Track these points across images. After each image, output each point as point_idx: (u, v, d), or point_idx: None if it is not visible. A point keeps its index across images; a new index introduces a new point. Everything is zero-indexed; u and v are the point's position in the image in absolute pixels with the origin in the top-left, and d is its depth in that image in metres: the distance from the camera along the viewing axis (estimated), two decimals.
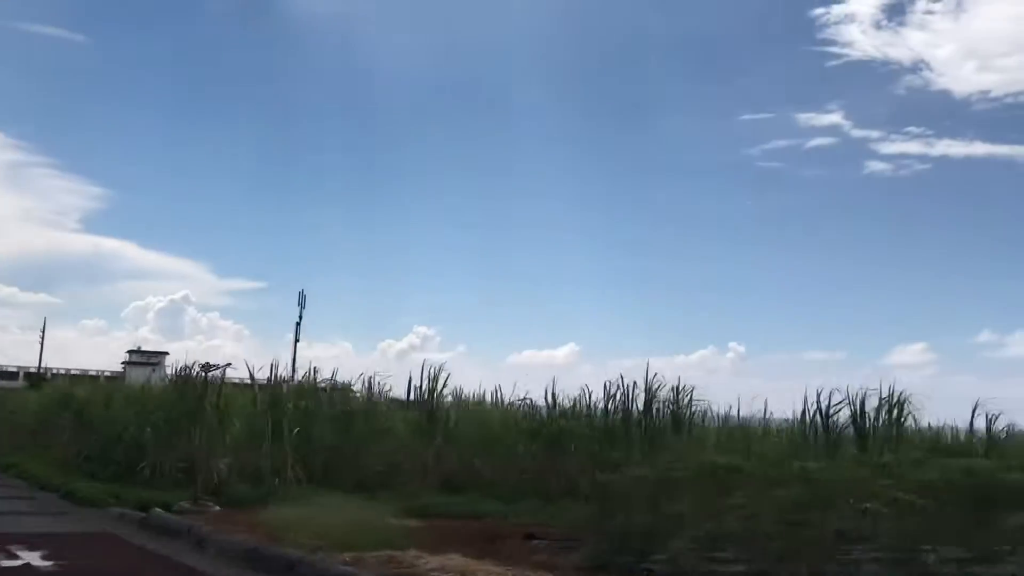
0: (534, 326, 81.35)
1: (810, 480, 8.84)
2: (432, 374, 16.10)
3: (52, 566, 8.09)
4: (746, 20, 77.41)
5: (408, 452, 15.19)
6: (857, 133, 73.83)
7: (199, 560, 8.60)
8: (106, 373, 53.22)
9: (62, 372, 52.65)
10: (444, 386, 16.21)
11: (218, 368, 13.17)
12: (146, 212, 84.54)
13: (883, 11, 79.92)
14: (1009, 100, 73.08)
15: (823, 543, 8.23)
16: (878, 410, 15.23)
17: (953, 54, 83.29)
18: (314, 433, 15.06)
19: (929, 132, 77.43)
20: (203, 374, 13.25)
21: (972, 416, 15.54)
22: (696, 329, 73.60)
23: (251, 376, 16.15)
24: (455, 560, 8.90)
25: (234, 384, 17.63)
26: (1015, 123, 71.21)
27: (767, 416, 16.36)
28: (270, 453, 13.81)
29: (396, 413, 16.56)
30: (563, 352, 55.14)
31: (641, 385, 14.66)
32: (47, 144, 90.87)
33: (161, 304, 76.34)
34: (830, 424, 14.58)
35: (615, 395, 14.63)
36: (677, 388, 15.32)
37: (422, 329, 63.26)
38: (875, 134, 76.99)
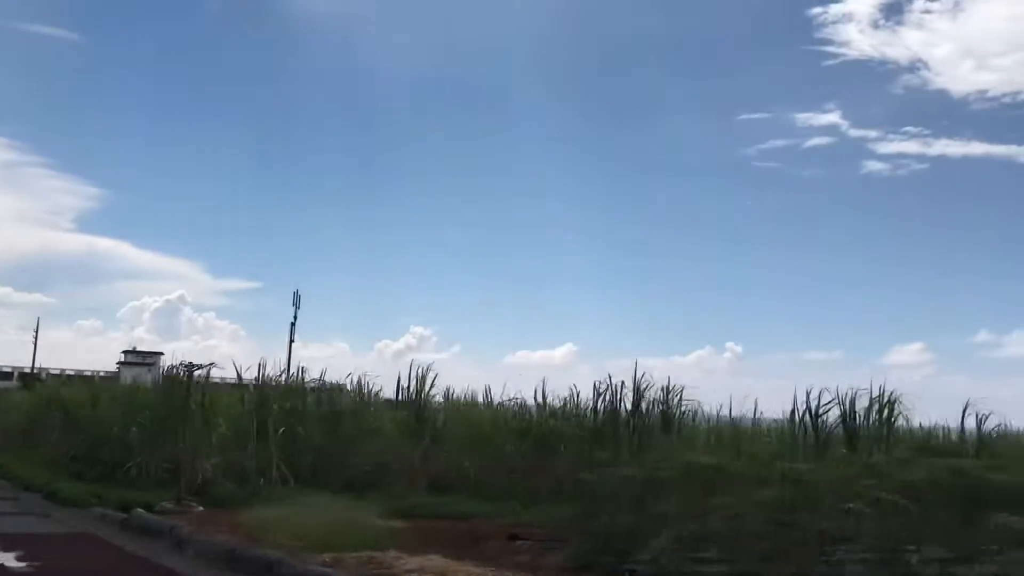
0: (531, 326, 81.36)
1: (793, 480, 8.76)
2: (419, 374, 16.02)
3: (26, 567, 8.01)
4: (744, 20, 77.54)
5: (396, 452, 15.10)
6: (855, 133, 73.83)
7: (178, 561, 8.53)
8: (101, 373, 53.14)
9: (57, 372, 52.46)
10: (432, 386, 16.15)
11: (201, 368, 13.06)
12: (141, 212, 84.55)
13: (881, 10, 79.92)
14: (1007, 100, 73.17)
15: (807, 543, 8.16)
16: (868, 410, 15.20)
17: (951, 54, 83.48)
18: (302, 433, 14.97)
19: (927, 132, 77.53)
20: (188, 374, 13.13)
21: (963, 416, 15.50)
22: (693, 329, 73.79)
23: (239, 376, 16.10)
24: (434, 561, 8.83)
25: (224, 384, 17.63)
26: (1013, 123, 71.34)
27: (757, 416, 16.33)
28: (255, 453, 13.71)
29: (385, 413, 16.49)
30: (560, 352, 55.10)
31: (630, 385, 14.63)
32: (42, 143, 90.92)
33: (157, 304, 76.24)
34: (819, 424, 14.54)
35: (603, 395, 14.54)
36: (667, 388, 15.28)
37: (418, 329, 63.18)
38: (873, 134, 76.98)
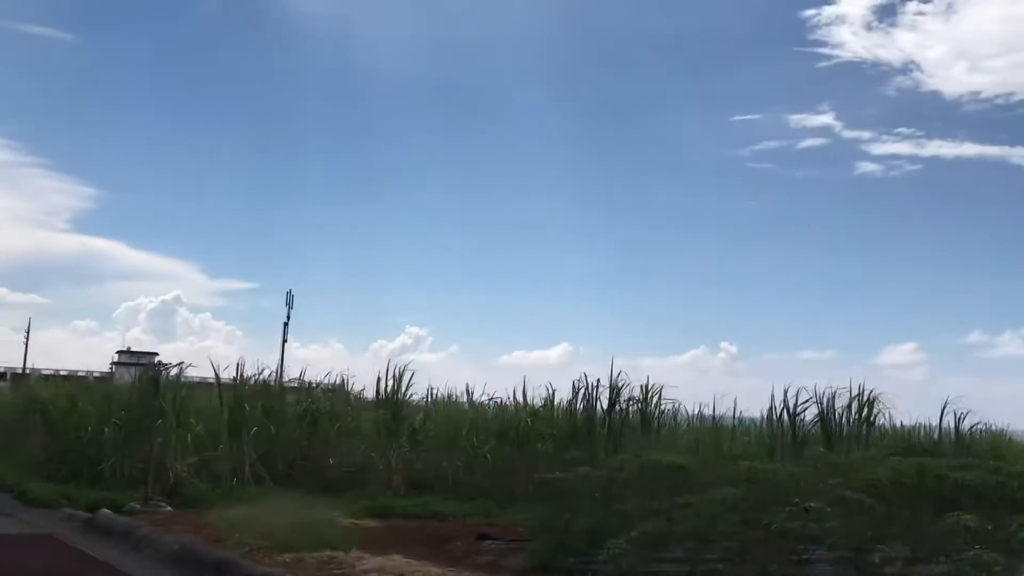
0: (527, 326, 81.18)
1: (756, 479, 8.68)
2: (397, 373, 15.94)
3: None
4: (737, 21, 77.38)
5: (374, 452, 15.02)
6: (848, 134, 73.79)
7: (130, 561, 8.48)
8: (95, 374, 52.95)
9: (50, 373, 52.38)
10: (409, 386, 16.06)
11: (170, 367, 12.98)
12: (136, 212, 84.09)
13: (874, 12, 79.81)
14: (999, 101, 72.87)
15: (768, 543, 8.09)
16: (848, 409, 15.16)
17: (943, 55, 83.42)
18: (275, 433, 14.88)
19: (920, 133, 77.59)
20: (157, 373, 13.05)
21: (941, 415, 15.47)
22: (688, 329, 73.75)
23: (217, 376, 16.01)
24: (395, 561, 8.77)
25: (205, 384, 17.54)
26: (1005, 124, 71.20)
27: (738, 415, 16.30)
28: (228, 453, 13.63)
29: (364, 413, 16.39)
30: (555, 352, 55.02)
31: (611, 384, 14.56)
32: (37, 144, 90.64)
33: (152, 305, 76.00)
34: (797, 423, 14.51)
35: (578, 394, 14.47)
36: (646, 387, 15.24)
37: (414, 329, 62.94)
38: (866, 135, 76.73)
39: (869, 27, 72.79)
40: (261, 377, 16.17)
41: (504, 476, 14.40)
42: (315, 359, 62.88)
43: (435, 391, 18.90)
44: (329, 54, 77.00)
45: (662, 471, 9.21)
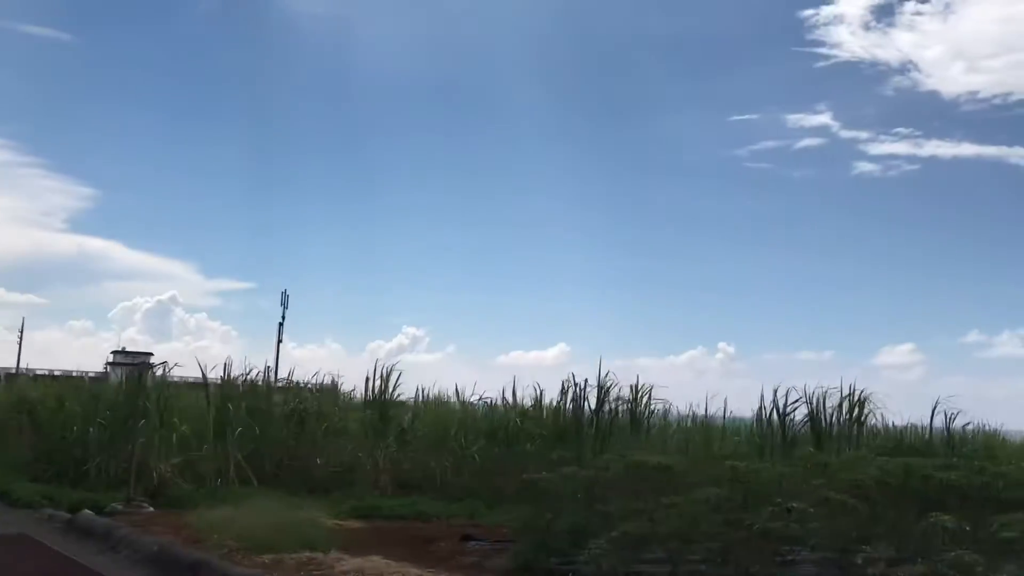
0: (525, 327, 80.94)
1: (738, 480, 8.60)
2: (384, 373, 15.85)
3: None
4: (735, 21, 77.22)
5: (362, 453, 14.93)
6: (846, 134, 73.61)
7: (106, 562, 8.40)
8: (90, 374, 52.80)
9: (45, 373, 52.24)
10: (397, 386, 15.97)
11: (155, 367, 12.88)
12: (134, 212, 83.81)
13: (872, 12, 79.81)
14: (997, 101, 72.80)
15: (750, 543, 8.01)
16: (839, 409, 15.09)
17: (941, 55, 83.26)
18: (266, 433, 14.79)
19: (918, 133, 77.42)
20: (140, 372, 12.95)
21: (932, 415, 15.41)
22: (686, 329, 73.45)
23: (204, 375, 15.92)
24: (374, 562, 8.69)
25: (193, 384, 17.46)
26: (1003, 124, 71.13)
27: (729, 415, 16.23)
28: (213, 454, 13.53)
29: (352, 413, 16.30)
30: (553, 352, 54.81)
31: (599, 384, 14.48)
32: (34, 144, 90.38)
33: (148, 305, 75.71)
34: (786, 423, 14.44)
35: (566, 394, 14.39)
36: (635, 387, 15.18)
37: (411, 330, 62.76)
38: (864, 135, 76.62)
39: (867, 27, 72.71)
40: (248, 377, 16.07)
41: (492, 476, 14.31)
42: (312, 359, 62.71)
43: (425, 391, 18.88)
44: (326, 54, 76.87)
45: (646, 471, 9.13)
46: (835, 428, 14.71)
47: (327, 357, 59.41)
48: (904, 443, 15.61)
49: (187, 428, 13.99)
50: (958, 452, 14.06)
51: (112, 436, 13.81)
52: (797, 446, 14.13)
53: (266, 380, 16.30)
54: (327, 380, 18.09)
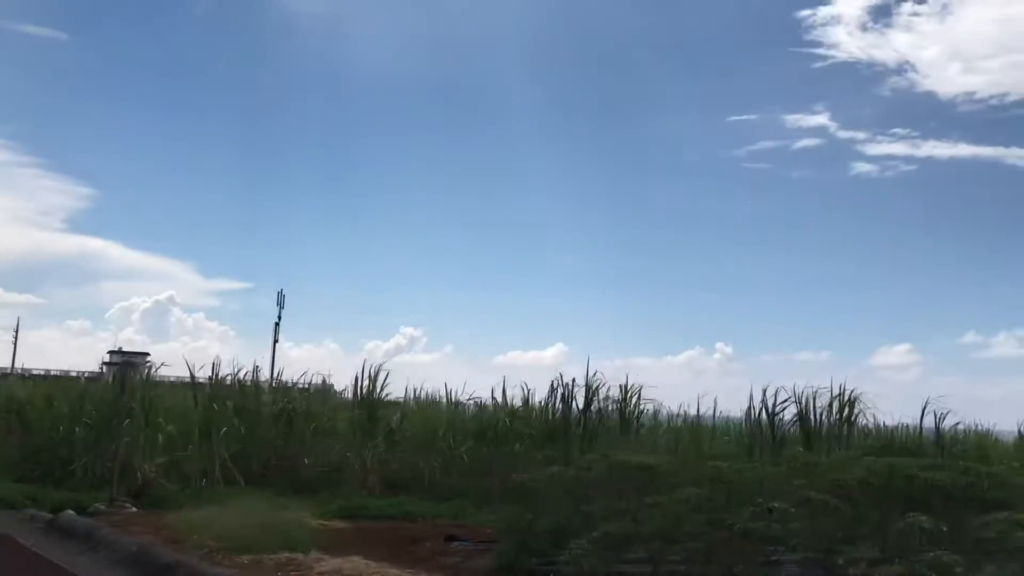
0: (523, 327, 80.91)
1: (721, 480, 8.54)
2: (372, 373, 15.78)
3: None
4: (733, 21, 77.27)
5: (350, 453, 14.86)
6: (843, 134, 73.55)
7: (84, 562, 8.33)
8: (87, 374, 52.65)
9: (42, 373, 52.08)
10: (385, 386, 15.89)
11: (140, 366, 12.79)
12: (131, 212, 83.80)
13: (869, 13, 79.88)
14: (993, 102, 72.93)
15: (731, 543, 7.95)
16: (829, 408, 15.02)
17: (938, 56, 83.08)
18: (253, 433, 14.72)
19: (915, 133, 77.61)
20: (126, 372, 12.88)
21: (922, 415, 15.33)
22: (684, 329, 73.46)
23: (192, 375, 15.86)
24: (354, 562, 8.64)
25: (181, 383, 17.40)
26: (999, 125, 71.17)
27: (722, 415, 16.17)
28: (198, 453, 13.46)
29: (341, 413, 16.23)
30: (551, 352, 54.78)
31: (587, 384, 14.41)
32: (33, 143, 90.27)
33: (146, 305, 75.54)
34: (776, 423, 14.37)
35: (554, 393, 14.33)
36: (625, 387, 15.12)
37: (409, 330, 62.70)
38: (861, 135, 76.85)
39: (864, 28, 72.92)
40: (237, 377, 16.00)
41: (481, 476, 14.26)
42: (309, 359, 62.59)
43: (417, 391, 18.83)
44: (323, 53, 76.90)
45: (628, 471, 9.07)
46: (825, 428, 14.63)
47: (325, 357, 59.41)
48: (895, 443, 15.54)
49: (173, 428, 13.92)
50: (947, 452, 13.97)
51: (98, 436, 13.73)
52: (786, 446, 14.05)
53: (255, 380, 16.22)
54: (318, 380, 18.10)
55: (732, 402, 16.52)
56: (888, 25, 79.79)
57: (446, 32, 75.37)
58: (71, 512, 10.81)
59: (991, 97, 71.69)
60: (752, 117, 78.15)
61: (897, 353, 63.83)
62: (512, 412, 15.71)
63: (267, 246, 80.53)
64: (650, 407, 15.81)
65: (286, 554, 8.80)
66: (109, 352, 66.90)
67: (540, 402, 15.74)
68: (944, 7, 76.31)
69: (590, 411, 14.10)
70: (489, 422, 15.53)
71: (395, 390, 17.33)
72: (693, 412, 16.50)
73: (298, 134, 77.54)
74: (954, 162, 71.70)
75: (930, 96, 72.61)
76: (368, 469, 14.44)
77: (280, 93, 77.15)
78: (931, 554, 6.72)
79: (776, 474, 9.09)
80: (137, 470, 12.64)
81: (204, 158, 79.26)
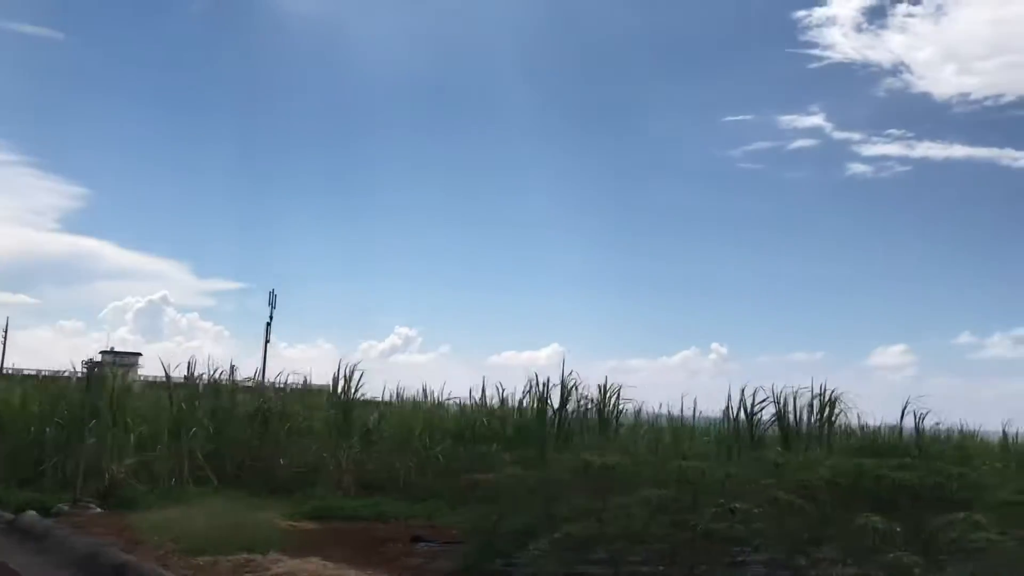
0: (518, 327, 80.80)
1: (684, 480, 8.41)
2: (347, 373, 15.64)
3: None
4: (728, 22, 77.26)
5: (325, 453, 14.72)
6: (839, 135, 73.70)
7: (34, 563, 8.18)
8: (79, 374, 52.46)
9: (33, 372, 51.88)
10: (360, 386, 15.75)
11: (100, 365, 12.61)
12: (125, 212, 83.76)
13: (864, 14, 79.69)
14: (988, 103, 72.86)
15: (694, 544, 7.82)
16: (810, 408, 14.94)
17: (933, 57, 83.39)
18: (226, 433, 14.58)
19: (910, 134, 77.47)
20: (90, 371, 12.72)
21: (902, 415, 15.26)
22: (679, 330, 73.49)
23: (167, 374, 15.71)
24: (312, 564, 8.50)
25: (158, 383, 17.25)
26: (994, 126, 71.26)
27: (696, 415, 16.08)
28: (167, 454, 13.31)
29: (317, 413, 16.09)
30: (545, 353, 54.62)
31: (562, 383, 14.29)
32: (26, 143, 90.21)
33: (140, 305, 75.45)
34: (754, 422, 14.27)
35: (528, 393, 14.22)
36: (603, 387, 15.01)
37: (403, 330, 62.64)
38: (856, 136, 76.91)
39: (859, 29, 72.85)
40: (213, 376, 15.86)
41: (457, 477, 14.11)
42: (303, 359, 62.47)
43: (400, 391, 18.71)
44: (317, 54, 76.80)
45: (594, 471, 8.93)
46: (805, 428, 14.53)
47: (319, 357, 59.30)
48: (877, 443, 15.45)
49: (145, 428, 13.77)
50: (926, 452, 13.87)
51: (69, 437, 13.58)
52: (765, 446, 13.97)
53: (231, 379, 16.07)
54: (298, 379, 17.97)
55: (723, 402, 16.45)
56: (883, 26, 79.84)
57: (441, 32, 75.39)
58: (33, 513, 10.64)
59: (986, 98, 71.71)
60: (747, 118, 78.22)
61: (892, 354, 63.91)
62: (490, 412, 15.59)
63: (261, 246, 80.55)
64: (630, 407, 15.76)
65: (244, 556, 8.64)
66: (101, 352, 66.90)
67: (520, 402, 15.63)
68: (939, 8, 76.56)
69: (566, 410, 13.97)
70: (467, 422, 15.41)
71: (376, 390, 17.25)
72: (676, 412, 16.47)
73: (293, 134, 77.60)
74: (949, 163, 71.85)
75: (925, 97, 72.88)
76: (343, 470, 14.30)
77: (274, 93, 77.17)
78: (891, 555, 6.58)
79: (741, 474, 8.95)
80: (105, 471, 12.47)
81: (198, 158, 79.30)
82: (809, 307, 76.63)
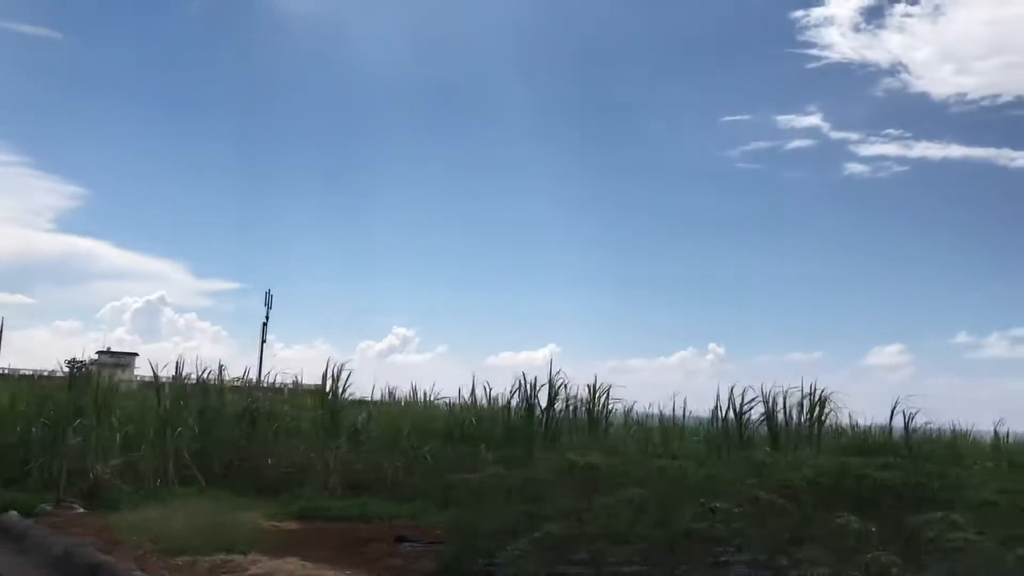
0: (516, 327, 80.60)
1: (665, 479, 8.37)
2: (335, 373, 15.57)
3: None
4: (726, 22, 77.12)
5: (313, 453, 14.65)
6: (836, 135, 73.23)
7: (10, 564, 8.12)
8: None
9: (28, 373, 51.80)
10: (347, 385, 15.67)
11: (84, 365, 12.59)
12: (122, 211, 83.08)
13: (862, 14, 79.29)
14: (986, 103, 72.46)
15: (674, 544, 7.77)
16: (800, 407, 14.90)
17: (931, 57, 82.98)
18: (213, 433, 14.52)
19: (907, 134, 77.01)
20: (72, 371, 12.67)
21: (891, 415, 15.21)
22: (677, 330, 73.29)
23: (155, 374, 15.65)
24: (291, 564, 8.45)
25: (146, 383, 17.20)
26: (992, 126, 70.88)
27: (688, 415, 16.03)
28: (152, 454, 13.24)
29: (305, 413, 16.01)
30: (543, 353, 54.62)
31: (549, 383, 14.25)
32: (22, 142, 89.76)
33: (137, 305, 75.13)
34: (743, 422, 14.23)
35: (515, 393, 14.16)
36: (592, 387, 14.96)
37: (401, 330, 62.43)
38: (854, 136, 76.30)
39: (857, 28, 72.34)
40: (200, 376, 15.79)
41: (445, 477, 14.04)
42: (301, 360, 62.21)
43: (392, 391, 18.67)
44: (314, 54, 76.56)
45: (576, 471, 8.90)
46: (793, 427, 14.49)
47: (316, 357, 59.00)
48: (867, 443, 15.42)
49: (131, 428, 13.70)
50: (915, 452, 13.83)
51: (55, 436, 13.51)
52: (754, 446, 13.92)
53: (219, 379, 16.00)
54: (289, 379, 17.90)
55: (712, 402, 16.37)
56: (881, 26, 79.48)
57: (439, 32, 75.13)
58: (14, 513, 10.59)
59: (983, 98, 71.29)
60: (745, 118, 77.83)
61: (889, 353, 63.77)
62: (478, 412, 15.54)
63: (260, 246, 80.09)
64: (620, 407, 15.70)
65: (222, 556, 8.59)
66: (98, 352, 66.74)
67: (508, 402, 15.57)
68: (936, 8, 76.30)
69: (553, 410, 13.92)
70: (456, 422, 15.35)
71: (367, 390, 17.18)
72: (668, 412, 16.42)
73: (291, 134, 77.09)
74: (946, 163, 71.49)
75: (923, 97, 72.33)
76: (331, 470, 14.23)
77: (272, 92, 76.85)
78: (869, 555, 6.54)
79: (725, 474, 8.91)
80: (89, 470, 12.40)
81: (196, 157, 78.72)
82: (807, 307, 76.39)
